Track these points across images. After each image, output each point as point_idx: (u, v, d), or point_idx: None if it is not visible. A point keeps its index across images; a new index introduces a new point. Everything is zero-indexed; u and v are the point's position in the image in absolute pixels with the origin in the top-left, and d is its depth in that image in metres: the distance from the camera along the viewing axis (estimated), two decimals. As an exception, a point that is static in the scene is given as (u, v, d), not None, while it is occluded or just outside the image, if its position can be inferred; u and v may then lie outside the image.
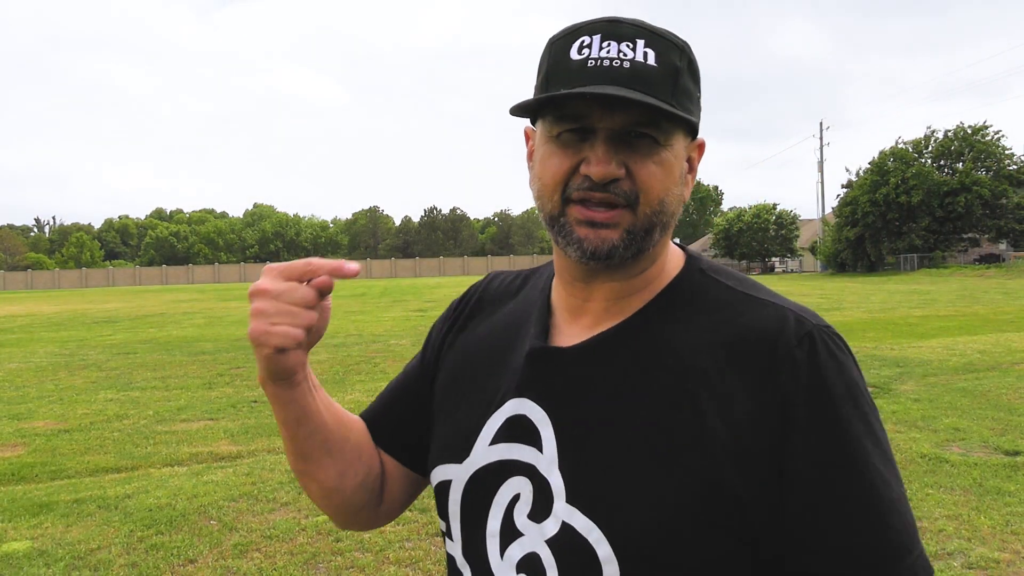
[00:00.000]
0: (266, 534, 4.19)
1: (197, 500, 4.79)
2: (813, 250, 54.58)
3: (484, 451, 0.85)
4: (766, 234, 56.29)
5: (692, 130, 0.83)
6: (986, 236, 43.30)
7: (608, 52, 0.77)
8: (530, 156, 0.88)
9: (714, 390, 0.77)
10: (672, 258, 0.88)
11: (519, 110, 0.81)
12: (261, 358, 0.81)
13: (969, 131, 43.24)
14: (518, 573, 0.80)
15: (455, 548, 0.88)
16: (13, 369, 11.59)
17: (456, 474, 0.87)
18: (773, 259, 59.00)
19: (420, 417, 0.98)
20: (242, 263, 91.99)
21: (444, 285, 41.92)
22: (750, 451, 0.74)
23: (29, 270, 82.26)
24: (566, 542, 0.77)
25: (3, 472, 5.70)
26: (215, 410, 7.87)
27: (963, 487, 4.63)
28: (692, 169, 0.86)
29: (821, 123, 60.09)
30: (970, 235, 43.64)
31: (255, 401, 8.32)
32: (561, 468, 0.79)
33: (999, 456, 5.26)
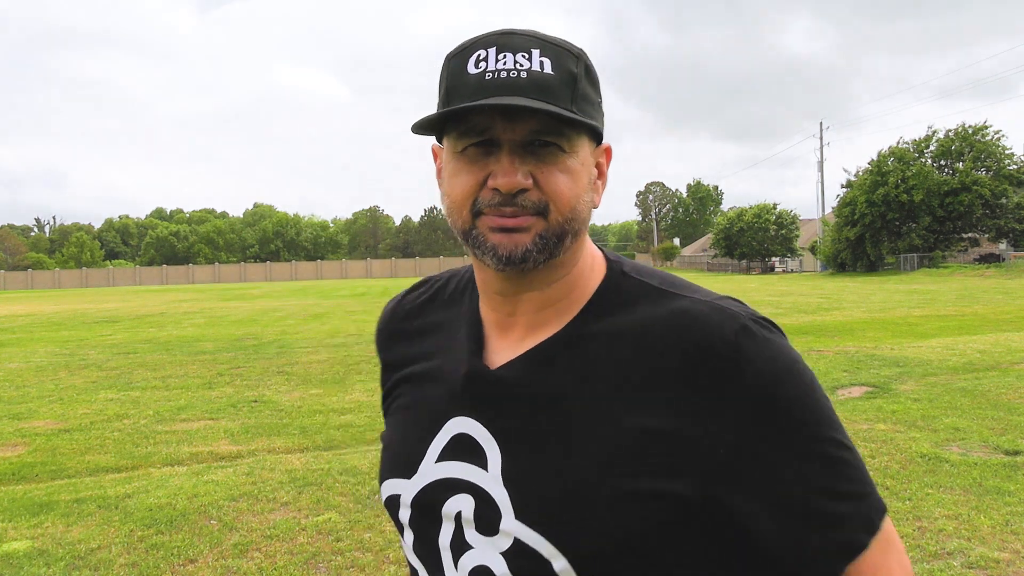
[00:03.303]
0: (266, 534, 4.19)
1: (197, 500, 4.78)
2: (813, 250, 54.55)
3: (431, 468, 0.87)
4: (766, 234, 56.29)
5: (597, 136, 0.84)
6: (986, 236, 43.26)
7: (505, 64, 0.78)
8: (439, 174, 0.88)
9: (654, 395, 0.78)
10: (593, 264, 0.89)
11: (421, 127, 0.81)
12: None
13: (969, 131, 43.18)
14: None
15: (414, 558, 0.90)
16: (13, 369, 11.58)
17: (404, 488, 0.89)
18: (773, 259, 58.94)
19: None
20: (242, 263, 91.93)
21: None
22: (695, 453, 0.76)
23: (29, 270, 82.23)
24: (520, 556, 0.78)
25: (3, 472, 5.70)
26: (215, 410, 7.86)
27: (963, 487, 4.63)
28: (602, 175, 0.87)
29: (821, 123, 60.15)
30: (970, 235, 43.60)
31: (255, 401, 8.32)
32: (506, 484, 0.80)
33: (999, 456, 5.26)
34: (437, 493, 0.86)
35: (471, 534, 0.82)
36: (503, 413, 0.83)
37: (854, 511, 0.77)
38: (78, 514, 4.59)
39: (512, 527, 0.79)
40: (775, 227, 56.31)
